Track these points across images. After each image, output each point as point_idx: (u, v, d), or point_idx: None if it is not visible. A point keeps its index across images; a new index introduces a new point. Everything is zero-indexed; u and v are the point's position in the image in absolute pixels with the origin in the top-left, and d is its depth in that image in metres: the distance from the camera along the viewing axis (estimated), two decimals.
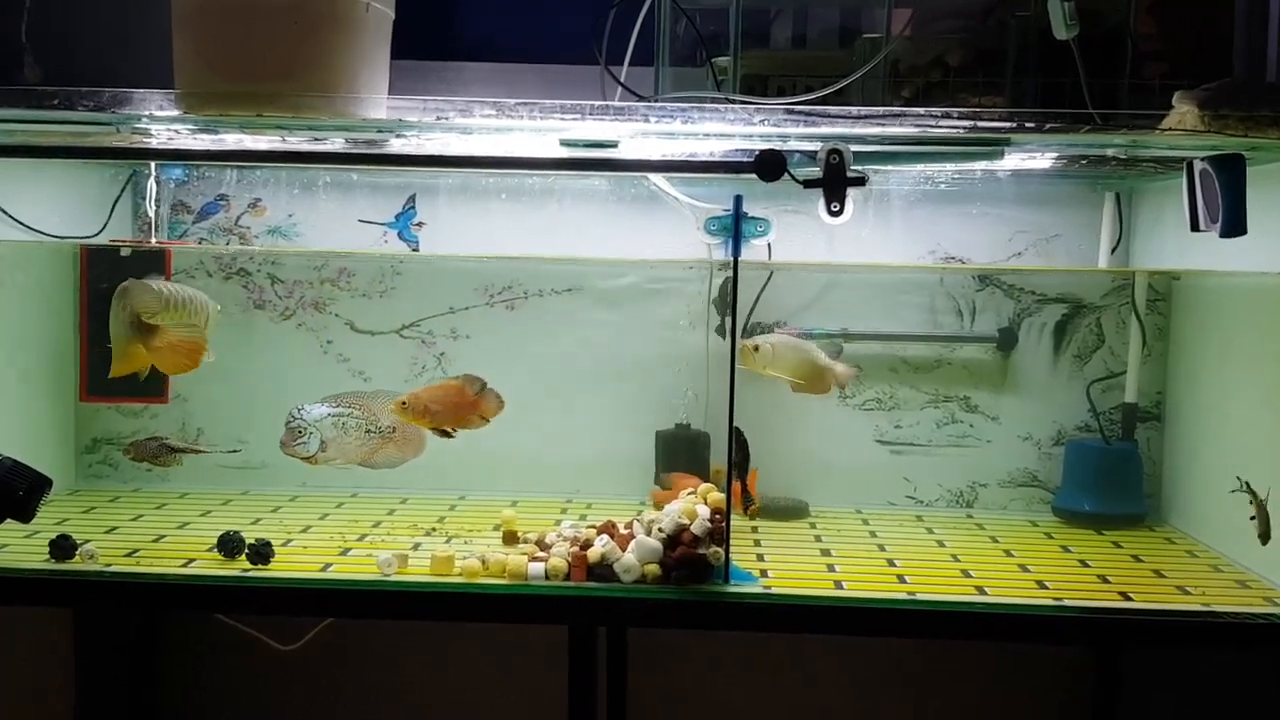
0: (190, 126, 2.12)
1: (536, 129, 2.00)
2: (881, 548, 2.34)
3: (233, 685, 2.92)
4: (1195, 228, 2.05)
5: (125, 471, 2.73)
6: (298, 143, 2.24)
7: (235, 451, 2.60)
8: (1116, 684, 2.77)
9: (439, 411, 2.14)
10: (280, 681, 2.91)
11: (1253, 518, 2.04)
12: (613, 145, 2.05)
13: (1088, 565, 2.25)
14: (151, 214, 2.66)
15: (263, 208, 2.78)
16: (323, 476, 2.68)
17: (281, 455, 2.67)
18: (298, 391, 2.65)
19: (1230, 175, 1.96)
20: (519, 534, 2.27)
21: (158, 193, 2.67)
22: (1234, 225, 1.95)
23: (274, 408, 2.64)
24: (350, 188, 2.73)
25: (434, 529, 2.39)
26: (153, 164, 2.61)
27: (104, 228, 2.68)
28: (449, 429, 2.15)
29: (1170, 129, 1.96)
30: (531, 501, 2.63)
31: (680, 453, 2.56)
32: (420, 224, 2.74)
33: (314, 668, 2.90)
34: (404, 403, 2.16)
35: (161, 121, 2.06)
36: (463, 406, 2.16)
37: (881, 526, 2.52)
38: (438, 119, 1.97)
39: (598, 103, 1.96)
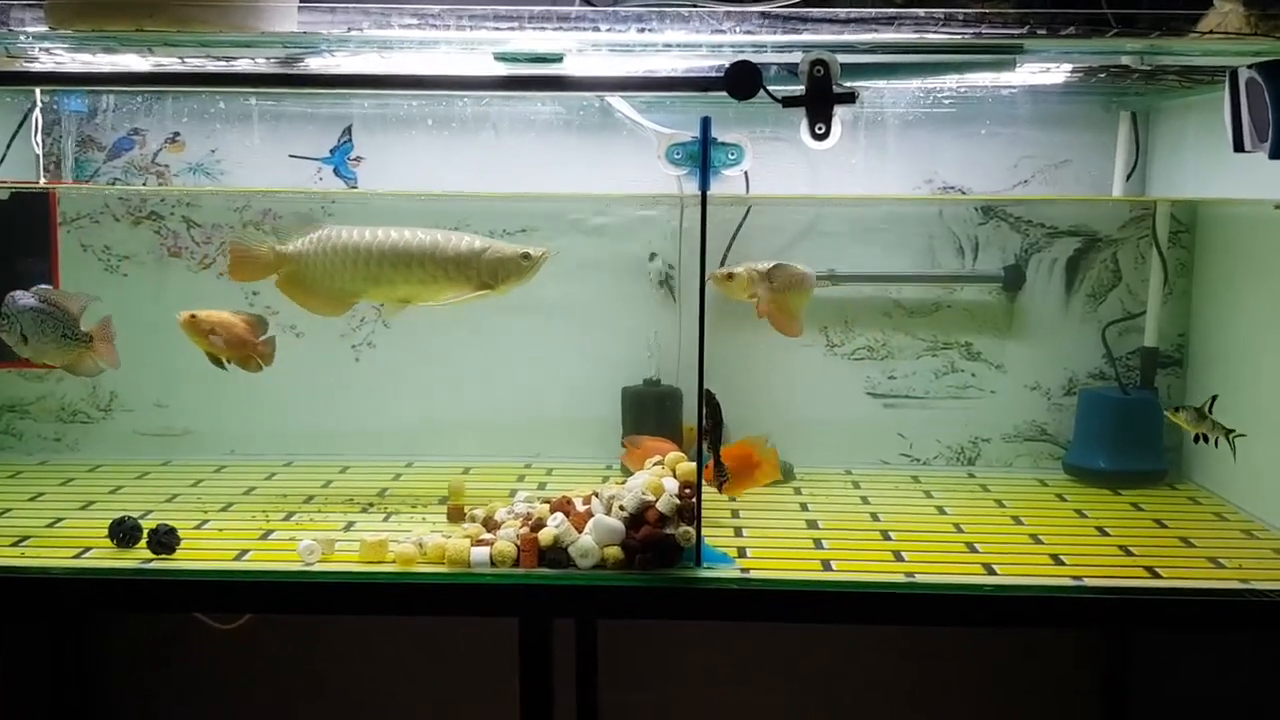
0: (63, 45, 1.82)
1: (466, 41, 1.71)
2: (875, 517, 2.09)
3: (171, 670, 2.66)
4: (1240, 148, 1.80)
5: (30, 443, 2.47)
6: (198, 64, 1.94)
7: None
8: (1126, 662, 2.54)
9: (220, 339, 2.05)
10: (222, 664, 2.66)
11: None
12: (557, 59, 1.76)
13: (1106, 533, 2.02)
14: (38, 150, 2.36)
15: (181, 143, 2.50)
16: (253, 444, 2.45)
17: (206, 422, 2.46)
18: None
19: None
20: (465, 510, 2.01)
21: (43, 124, 2.36)
22: None
23: (194, 369, 2.38)
24: (279, 119, 2.46)
25: (372, 504, 2.14)
26: (37, 92, 2.30)
27: None
28: (224, 359, 2.07)
29: (1210, 31, 1.68)
30: (487, 467, 2.40)
31: (649, 411, 2.32)
32: (358, 159, 2.50)
33: (258, 647, 2.64)
34: (193, 316, 2.04)
35: (24, 39, 1.75)
36: (245, 344, 2.07)
37: (874, 490, 2.28)
38: (350, 30, 1.68)
39: (538, 8, 1.66)
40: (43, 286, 2.01)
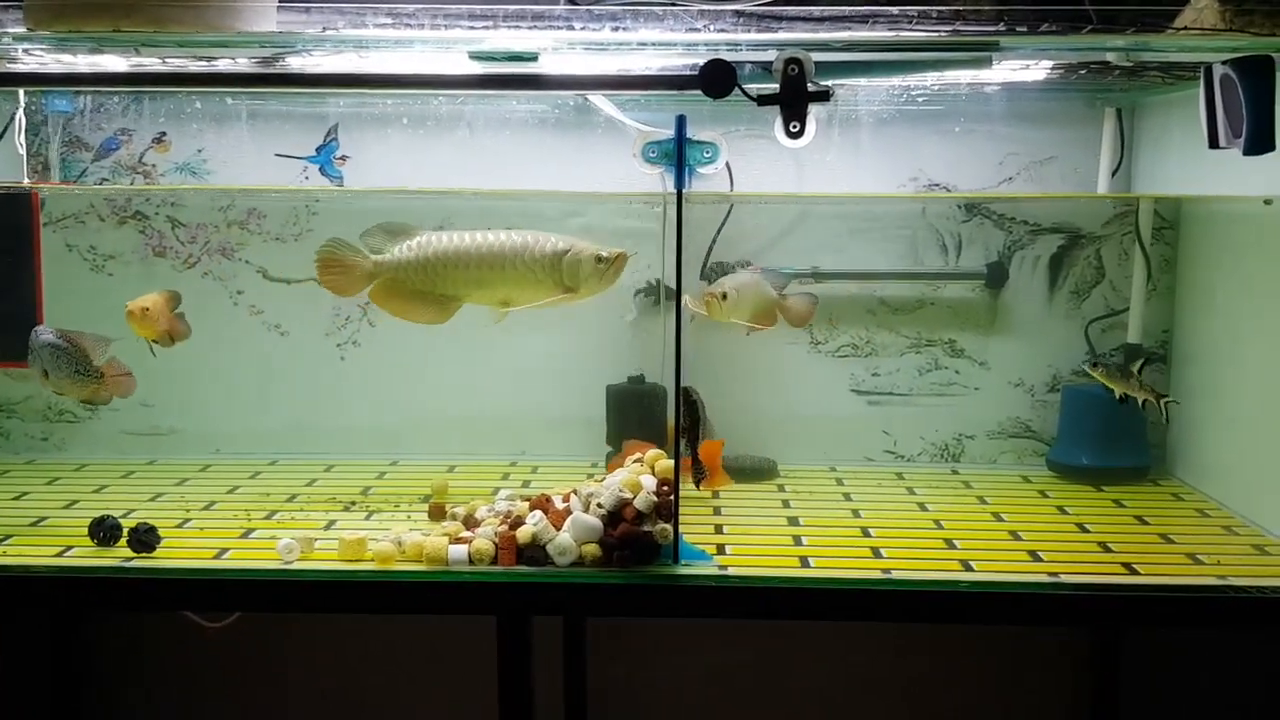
0: (42, 46, 1.82)
1: (441, 40, 1.70)
2: (856, 513, 2.10)
3: (171, 670, 2.66)
4: (1215, 144, 1.79)
5: (17, 442, 2.47)
6: (180, 64, 1.95)
7: None
8: (1117, 663, 2.53)
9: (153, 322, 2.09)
10: (222, 663, 2.64)
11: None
12: (532, 59, 1.76)
13: (1086, 530, 2.01)
14: (21, 150, 2.36)
15: (167, 143, 2.50)
16: (238, 443, 2.46)
17: (192, 421, 2.46)
18: (205, 350, 2.39)
19: (1256, 81, 1.70)
20: (447, 508, 2.02)
21: (28, 125, 2.37)
22: (1260, 140, 1.69)
23: (180, 368, 2.39)
24: (265, 118, 2.45)
25: (354, 503, 2.14)
26: (20, 93, 2.31)
27: None
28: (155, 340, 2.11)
29: (1186, 28, 1.67)
30: (472, 465, 2.40)
31: (632, 410, 2.30)
32: (344, 158, 2.49)
33: (257, 647, 2.63)
34: (146, 309, 2.07)
35: (4, 40, 1.76)
36: (165, 319, 2.11)
37: (857, 487, 2.28)
38: (325, 30, 1.68)
39: (512, 7, 1.66)
40: (58, 328, 2.05)
